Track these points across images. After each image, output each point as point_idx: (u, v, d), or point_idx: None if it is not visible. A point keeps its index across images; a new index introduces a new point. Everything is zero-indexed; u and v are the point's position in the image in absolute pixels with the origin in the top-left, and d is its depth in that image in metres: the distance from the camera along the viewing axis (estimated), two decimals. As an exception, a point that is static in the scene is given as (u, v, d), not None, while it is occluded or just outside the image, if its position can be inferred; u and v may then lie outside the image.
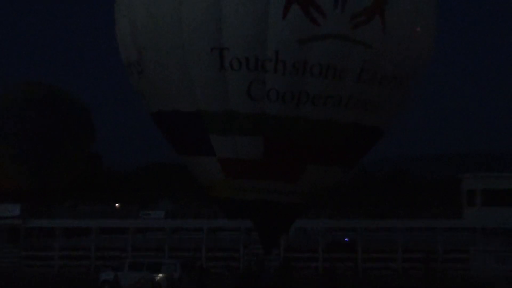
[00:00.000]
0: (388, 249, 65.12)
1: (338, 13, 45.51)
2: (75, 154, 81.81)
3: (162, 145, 50.32)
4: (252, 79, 43.35)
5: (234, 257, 65.80)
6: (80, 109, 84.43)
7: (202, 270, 55.02)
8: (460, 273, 60.26)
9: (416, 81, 50.83)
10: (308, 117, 44.81)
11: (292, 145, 44.69)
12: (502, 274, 59.23)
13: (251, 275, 50.61)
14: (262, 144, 44.29)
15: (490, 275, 58.78)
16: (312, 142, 45.25)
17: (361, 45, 45.83)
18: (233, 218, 59.00)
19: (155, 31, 43.86)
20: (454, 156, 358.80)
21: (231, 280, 51.95)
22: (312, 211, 63.90)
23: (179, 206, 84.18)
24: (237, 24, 42.93)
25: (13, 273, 66.98)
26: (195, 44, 42.94)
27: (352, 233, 67.56)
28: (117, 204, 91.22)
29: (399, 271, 61.81)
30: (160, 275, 51.07)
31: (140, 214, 77.92)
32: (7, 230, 74.94)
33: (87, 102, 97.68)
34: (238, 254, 66.53)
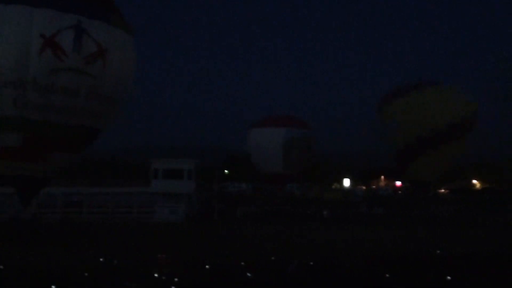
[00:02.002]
0: (103, 206, 64.74)
1: (76, 55, 45.15)
2: None
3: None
4: (17, 94, 42.39)
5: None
6: None
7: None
8: (148, 220, 61.22)
9: (124, 100, 51.69)
10: (53, 121, 44.22)
11: (42, 138, 43.98)
12: (173, 220, 60.99)
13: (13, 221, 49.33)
14: (22, 137, 43.37)
15: (166, 221, 60.32)
16: (55, 137, 44.64)
17: (89, 76, 45.79)
18: (2, 186, 56.78)
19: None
20: (152, 148, 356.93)
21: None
22: (55, 181, 62.67)
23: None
24: (8, 57, 41.96)
25: None
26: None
27: (80, 196, 66.39)
28: None
29: (111, 219, 61.56)
30: None
31: None
32: None
33: None
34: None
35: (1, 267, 28.74)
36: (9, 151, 43.93)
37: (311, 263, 30.98)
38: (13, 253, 35.17)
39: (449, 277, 26.70)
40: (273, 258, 33.30)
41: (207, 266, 29.64)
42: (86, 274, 27.57)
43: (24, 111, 43.35)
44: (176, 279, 26.33)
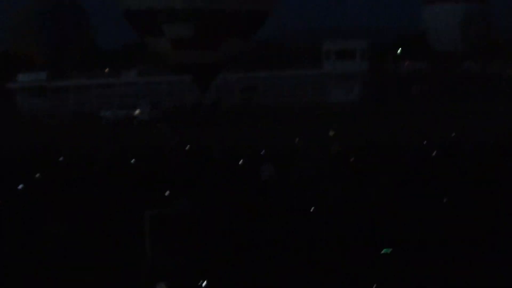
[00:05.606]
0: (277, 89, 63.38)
1: None
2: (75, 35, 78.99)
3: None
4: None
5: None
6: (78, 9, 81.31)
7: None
8: (323, 101, 59.69)
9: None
10: (222, 9, 44.26)
11: (212, 27, 44.63)
12: (349, 99, 59.27)
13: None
14: (193, 27, 44.79)
15: (342, 101, 58.73)
16: (225, 24, 44.79)
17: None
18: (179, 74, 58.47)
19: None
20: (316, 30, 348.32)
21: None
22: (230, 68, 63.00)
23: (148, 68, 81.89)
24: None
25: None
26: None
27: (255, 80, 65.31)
28: (106, 69, 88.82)
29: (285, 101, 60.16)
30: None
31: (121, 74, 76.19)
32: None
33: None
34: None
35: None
36: (183, 41, 44.95)
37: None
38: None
39: None
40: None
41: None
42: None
43: (193, 2, 43.71)
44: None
